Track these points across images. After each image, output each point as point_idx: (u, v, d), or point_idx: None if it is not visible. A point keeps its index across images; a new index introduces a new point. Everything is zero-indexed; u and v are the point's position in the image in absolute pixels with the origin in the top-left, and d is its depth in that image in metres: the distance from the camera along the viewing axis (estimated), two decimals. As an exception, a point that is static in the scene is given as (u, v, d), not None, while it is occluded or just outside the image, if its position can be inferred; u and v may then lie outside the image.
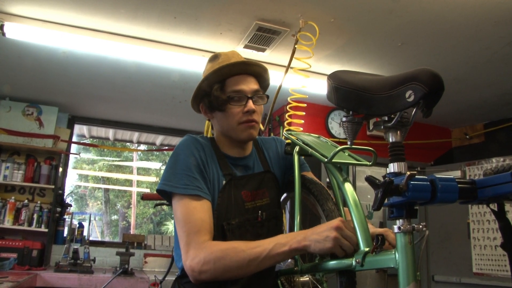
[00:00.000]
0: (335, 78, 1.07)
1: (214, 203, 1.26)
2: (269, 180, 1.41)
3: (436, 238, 4.07)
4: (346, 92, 1.03)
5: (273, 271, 1.37)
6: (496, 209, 1.03)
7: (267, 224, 1.34)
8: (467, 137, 4.58)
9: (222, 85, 1.33)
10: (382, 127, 0.97)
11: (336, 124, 4.13)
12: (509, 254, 1.04)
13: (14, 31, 2.79)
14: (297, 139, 1.40)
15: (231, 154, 1.37)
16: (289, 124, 3.34)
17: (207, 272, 1.11)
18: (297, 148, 1.38)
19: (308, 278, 1.30)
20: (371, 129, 1.02)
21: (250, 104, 1.32)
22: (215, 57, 1.41)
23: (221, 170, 1.31)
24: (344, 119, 1.05)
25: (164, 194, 1.28)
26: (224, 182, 1.29)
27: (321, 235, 1.05)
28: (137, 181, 12.75)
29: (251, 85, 1.34)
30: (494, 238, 3.64)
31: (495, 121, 4.34)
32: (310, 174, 1.46)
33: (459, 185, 0.89)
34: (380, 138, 4.14)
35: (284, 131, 1.52)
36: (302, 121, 3.25)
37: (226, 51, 1.44)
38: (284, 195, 1.51)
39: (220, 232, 1.24)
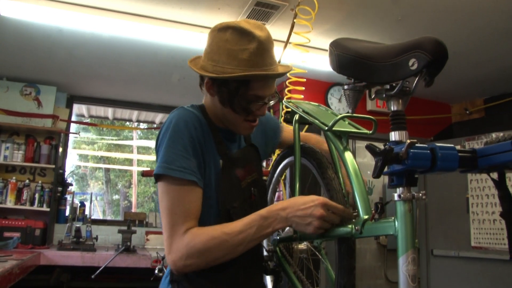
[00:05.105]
0: (337, 46, 1.06)
1: (211, 185, 1.20)
2: (254, 153, 1.38)
3: (435, 213, 4.10)
4: (348, 59, 1.02)
5: (261, 259, 1.38)
6: (496, 178, 1.03)
7: (260, 201, 1.33)
8: (467, 112, 4.57)
9: (247, 87, 1.19)
10: (384, 95, 0.96)
11: (336, 99, 4.11)
12: (508, 223, 1.04)
13: (9, 9, 2.75)
14: (296, 108, 1.40)
15: (222, 126, 1.30)
16: (289, 99, 3.33)
17: (191, 265, 1.10)
18: (296, 116, 1.37)
19: (306, 246, 1.32)
20: (372, 97, 1.01)
21: (264, 109, 1.25)
22: (244, 33, 1.16)
23: (216, 150, 1.24)
24: (345, 87, 1.05)
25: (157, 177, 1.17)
26: (221, 162, 1.24)
27: (304, 219, 1.07)
28: (138, 160, 12.77)
29: (271, 88, 1.24)
30: (492, 212, 3.67)
31: (496, 96, 4.32)
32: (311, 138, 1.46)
33: (459, 154, 0.89)
34: (380, 114, 4.13)
35: (284, 100, 1.51)
36: (302, 96, 3.24)
37: (256, 28, 1.19)
38: (285, 161, 1.51)
39: (226, 216, 1.20)
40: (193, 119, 1.20)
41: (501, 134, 0.95)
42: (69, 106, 4.76)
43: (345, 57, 1.03)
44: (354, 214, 1.08)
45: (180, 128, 1.16)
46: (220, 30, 1.21)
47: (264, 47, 1.17)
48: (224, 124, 1.29)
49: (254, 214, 1.13)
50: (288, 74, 3.03)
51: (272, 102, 1.25)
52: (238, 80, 1.17)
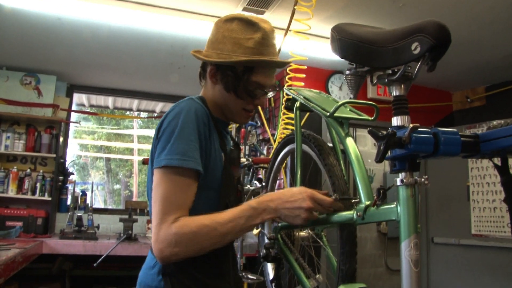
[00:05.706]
0: (339, 31, 1.06)
1: (216, 177, 1.21)
2: (238, 153, 1.41)
3: (435, 201, 4.11)
4: (350, 44, 1.01)
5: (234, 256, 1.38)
6: (499, 163, 1.02)
7: (242, 199, 1.38)
8: (468, 100, 4.55)
9: (251, 72, 1.23)
10: (386, 80, 0.96)
11: (337, 87, 4.10)
12: (510, 208, 1.04)
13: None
14: (297, 95, 1.40)
15: (220, 117, 1.32)
16: (289, 86, 3.32)
17: (179, 254, 1.07)
18: (297, 103, 1.37)
19: (307, 233, 1.32)
20: (374, 82, 1.00)
21: (263, 99, 1.29)
22: (249, 23, 1.23)
23: (219, 143, 1.25)
24: (347, 72, 1.04)
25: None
26: (223, 157, 1.24)
27: (292, 211, 1.11)
28: (138, 149, 12.76)
29: (272, 78, 1.28)
30: (493, 200, 3.68)
31: (497, 84, 4.29)
32: None
33: (462, 138, 0.89)
34: (381, 101, 4.11)
35: (285, 87, 1.51)
36: (303, 84, 3.23)
37: (261, 21, 1.26)
38: (286, 149, 1.51)
39: (223, 210, 1.18)
40: (202, 114, 1.19)
41: (502, 121, 0.94)
42: (69, 95, 4.74)
43: (347, 42, 1.02)
44: (356, 200, 1.08)
45: (191, 120, 1.15)
46: (226, 21, 1.27)
47: (268, 37, 1.24)
48: (222, 114, 1.31)
49: (244, 204, 1.14)
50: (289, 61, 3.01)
51: (270, 94, 1.28)
52: (244, 65, 1.22)
